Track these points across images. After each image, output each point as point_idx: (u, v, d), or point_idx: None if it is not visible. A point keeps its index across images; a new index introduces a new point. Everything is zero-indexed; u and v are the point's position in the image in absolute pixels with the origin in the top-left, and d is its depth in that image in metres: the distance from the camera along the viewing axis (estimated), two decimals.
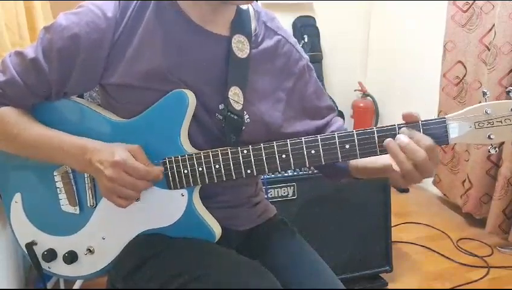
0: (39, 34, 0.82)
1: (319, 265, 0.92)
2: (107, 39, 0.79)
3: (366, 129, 0.74)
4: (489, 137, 0.70)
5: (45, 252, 0.91)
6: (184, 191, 0.82)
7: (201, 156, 0.80)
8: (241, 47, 0.86)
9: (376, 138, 0.73)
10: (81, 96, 0.93)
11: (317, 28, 3.12)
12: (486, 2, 2.13)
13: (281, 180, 1.60)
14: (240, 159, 0.78)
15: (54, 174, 0.89)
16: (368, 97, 3.22)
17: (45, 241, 0.92)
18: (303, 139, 0.76)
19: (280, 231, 0.99)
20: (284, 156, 0.77)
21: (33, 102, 0.85)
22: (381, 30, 3.25)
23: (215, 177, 0.80)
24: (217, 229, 0.84)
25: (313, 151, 0.76)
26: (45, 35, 0.81)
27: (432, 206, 2.62)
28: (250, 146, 0.78)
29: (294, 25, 3.10)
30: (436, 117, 0.72)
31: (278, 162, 0.77)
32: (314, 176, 1.62)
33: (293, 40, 0.96)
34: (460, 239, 2.17)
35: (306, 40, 3.05)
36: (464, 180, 2.31)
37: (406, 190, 2.80)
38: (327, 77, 3.23)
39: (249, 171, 0.79)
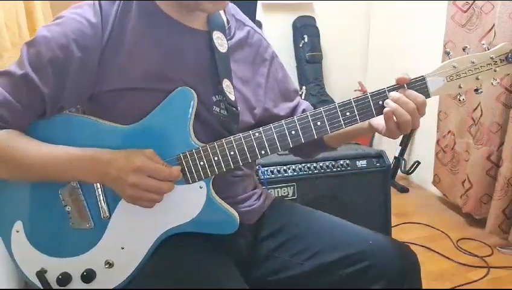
0: (21, 50, 0.79)
1: (339, 221, 1.02)
2: (96, 45, 0.79)
3: (361, 96, 0.83)
4: (459, 86, 0.84)
5: (60, 277, 0.86)
6: (202, 184, 0.84)
7: (215, 146, 0.82)
8: (220, 42, 0.90)
9: (371, 101, 0.82)
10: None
11: (317, 28, 3.12)
12: (486, 2, 2.13)
13: (281, 180, 1.60)
14: (253, 142, 0.82)
15: (60, 192, 0.85)
16: None
17: (57, 266, 0.87)
18: (308, 114, 0.81)
19: (288, 208, 1.05)
20: (293, 132, 0.82)
21: (29, 120, 0.81)
22: (381, 30, 3.25)
23: (231, 163, 0.83)
24: (236, 215, 0.86)
25: (319, 123, 0.81)
26: (29, 49, 0.78)
27: (432, 206, 2.62)
28: (260, 128, 0.82)
29: (294, 25, 3.10)
30: (416, 77, 0.83)
31: (289, 138, 0.82)
32: (314, 176, 1.62)
33: (260, 30, 1.03)
34: (460, 239, 2.17)
35: (306, 40, 3.05)
36: (464, 181, 2.31)
37: (406, 190, 2.80)
38: (327, 77, 3.23)
39: (263, 152, 0.82)
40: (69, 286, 0.88)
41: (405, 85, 0.82)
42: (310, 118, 0.81)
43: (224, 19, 0.94)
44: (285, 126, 0.82)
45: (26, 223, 0.88)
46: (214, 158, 0.82)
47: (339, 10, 3.20)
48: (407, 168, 2.89)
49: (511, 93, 2.01)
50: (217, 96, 0.88)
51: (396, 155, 2.88)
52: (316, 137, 0.82)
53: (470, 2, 2.21)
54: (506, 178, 2.06)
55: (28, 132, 0.82)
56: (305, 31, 3.07)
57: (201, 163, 0.82)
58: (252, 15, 1.71)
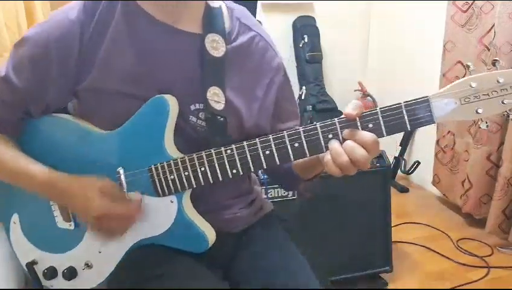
0: (10, 52, 0.82)
1: (302, 270, 0.90)
2: (75, 43, 0.78)
3: (343, 117, 0.71)
4: (476, 112, 0.66)
5: (45, 271, 0.91)
6: (173, 198, 0.81)
7: (185, 160, 0.78)
8: (215, 46, 0.84)
9: (359, 123, 0.70)
10: (66, 111, 0.90)
11: (317, 28, 3.11)
12: (486, 2, 2.13)
13: None
14: (224, 160, 0.77)
15: None
16: (368, 97, 3.22)
17: (45, 259, 0.92)
18: (285, 133, 0.73)
19: (270, 232, 0.97)
20: (267, 152, 0.75)
21: (16, 117, 0.84)
22: (381, 30, 3.25)
23: (201, 180, 0.78)
24: (210, 235, 0.82)
25: (296, 145, 0.73)
26: (15, 50, 0.81)
27: (432, 206, 2.62)
28: (233, 145, 0.76)
29: (294, 25, 3.10)
30: (419, 97, 0.68)
31: (263, 158, 0.75)
32: None
33: (269, 38, 0.93)
34: (460, 239, 2.17)
35: (306, 40, 3.04)
36: (464, 181, 2.31)
37: (406, 190, 2.80)
38: (327, 77, 3.22)
39: (234, 171, 0.77)
40: (54, 281, 0.92)
41: (378, 111, 0.69)
42: (287, 138, 0.73)
43: (227, 22, 0.88)
44: (259, 145, 0.75)
45: (21, 216, 0.93)
46: (184, 173, 0.78)
47: (339, 10, 3.20)
48: (407, 168, 2.89)
49: None
50: (197, 104, 0.83)
51: (396, 155, 2.88)
52: (292, 159, 0.74)
53: (470, 2, 2.21)
54: (506, 178, 2.06)
55: (20, 131, 0.86)
56: (305, 31, 3.07)
57: (172, 177, 0.79)
58: (251, 15, 1.70)
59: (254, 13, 1.87)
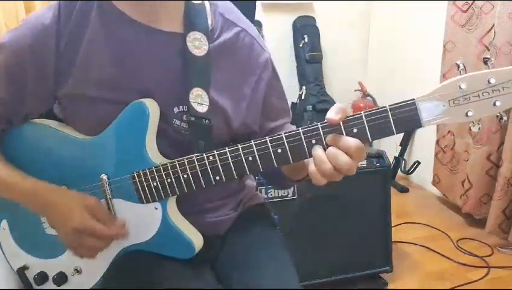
0: None
1: (283, 271, 0.88)
2: (50, 48, 0.75)
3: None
4: (466, 114, 0.62)
5: (36, 276, 0.91)
6: (157, 205, 0.79)
7: (168, 167, 0.76)
8: (197, 44, 0.80)
9: (343, 128, 0.66)
10: (53, 114, 0.88)
11: (317, 28, 3.12)
12: (486, 2, 2.13)
13: None
14: (207, 167, 0.74)
15: None
16: (368, 97, 3.22)
17: (35, 264, 0.91)
18: (267, 139, 0.70)
19: (255, 230, 0.96)
20: (250, 158, 0.71)
21: None
22: (381, 30, 3.25)
23: (185, 187, 0.76)
24: (196, 241, 0.81)
25: (279, 150, 0.69)
26: None
27: (432, 206, 2.62)
28: (215, 151, 0.73)
29: (294, 25, 3.10)
30: (405, 100, 0.64)
31: (246, 165, 0.72)
32: None
33: (255, 32, 0.89)
34: (460, 239, 2.17)
35: (306, 40, 3.05)
36: (464, 181, 2.31)
37: (406, 190, 2.80)
38: (327, 77, 3.23)
39: (217, 178, 0.74)
40: (45, 286, 0.91)
41: (363, 116, 0.64)
42: (269, 144, 0.70)
43: (210, 19, 0.83)
44: (241, 151, 0.72)
45: (10, 223, 0.92)
46: (167, 180, 0.76)
47: (339, 10, 3.20)
48: (407, 168, 2.90)
49: None
50: (180, 107, 0.80)
51: (396, 155, 2.88)
52: (276, 165, 0.71)
53: (470, 2, 2.21)
54: (506, 178, 2.06)
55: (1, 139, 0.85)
56: (305, 31, 3.07)
57: (155, 184, 0.77)
58: (251, 15, 1.70)
59: (253, 13, 1.87)
